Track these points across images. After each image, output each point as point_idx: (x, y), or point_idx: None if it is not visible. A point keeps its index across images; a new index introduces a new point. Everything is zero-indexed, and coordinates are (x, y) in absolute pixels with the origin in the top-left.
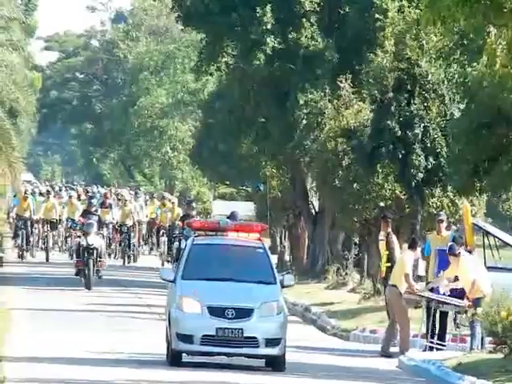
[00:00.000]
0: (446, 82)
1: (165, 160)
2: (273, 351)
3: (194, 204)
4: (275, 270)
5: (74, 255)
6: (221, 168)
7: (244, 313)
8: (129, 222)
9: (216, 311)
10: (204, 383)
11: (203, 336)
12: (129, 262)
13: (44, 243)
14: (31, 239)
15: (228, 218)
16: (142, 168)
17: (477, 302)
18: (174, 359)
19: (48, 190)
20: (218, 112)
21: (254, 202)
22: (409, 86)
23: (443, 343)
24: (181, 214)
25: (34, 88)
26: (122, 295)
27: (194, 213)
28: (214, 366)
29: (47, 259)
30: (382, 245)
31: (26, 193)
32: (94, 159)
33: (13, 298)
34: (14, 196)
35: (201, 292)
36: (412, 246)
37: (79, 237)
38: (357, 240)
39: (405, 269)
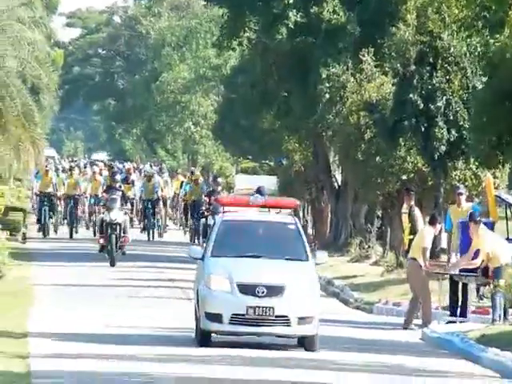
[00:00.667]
0: (468, 55)
1: (187, 135)
2: (305, 330)
3: (220, 179)
4: (308, 247)
5: (98, 231)
6: (243, 143)
7: (275, 290)
8: (153, 197)
9: (246, 289)
10: (231, 358)
11: (233, 315)
12: (153, 238)
13: (68, 220)
14: (54, 215)
15: (255, 193)
16: (164, 143)
17: (497, 273)
18: (202, 339)
19: (71, 166)
20: (240, 87)
21: (276, 176)
22: (431, 59)
23: (465, 316)
24: (205, 190)
25: (56, 64)
26: (146, 270)
27: (219, 188)
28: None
29: (71, 236)
30: (404, 218)
31: (47, 167)
32: (117, 135)
33: (36, 274)
34: (37, 173)
35: (230, 269)
36: (432, 222)
37: (103, 213)
38: (379, 213)
39: (423, 243)
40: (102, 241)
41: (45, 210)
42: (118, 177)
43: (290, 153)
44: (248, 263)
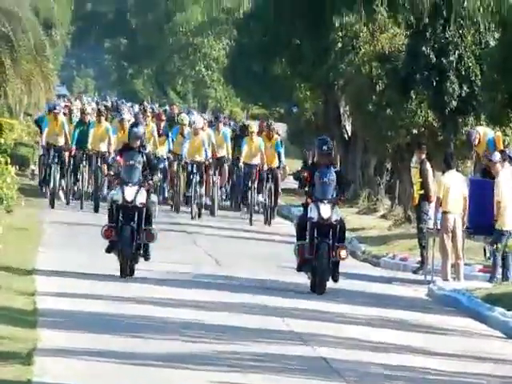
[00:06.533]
0: (481, 10)
1: (198, 78)
2: None
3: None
4: None
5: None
6: (254, 88)
7: None
8: (200, 159)
9: None
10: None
11: None
12: (199, 216)
13: (92, 186)
14: (65, 179)
15: None
16: (175, 85)
17: (498, 235)
18: None
19: (99, 109)
20: (252, 32)
21: (286, 124)
22: (444, 13)
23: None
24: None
25: (69, 0)
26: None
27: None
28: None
29: (96, 209)
30: (415, 172)
31: (55, 109)
32: (128, 75)
33: (45, 211)
34: (42, 118)
35: None
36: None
37: (112, 187)
38: (389, 166)
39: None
40: (109, 234)
41: (53, 171)
42: (142, 130)
43: (301, 101)
44: None
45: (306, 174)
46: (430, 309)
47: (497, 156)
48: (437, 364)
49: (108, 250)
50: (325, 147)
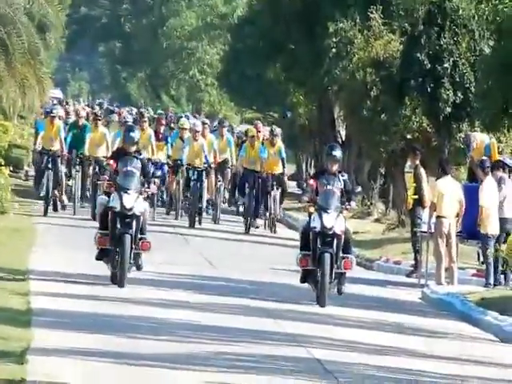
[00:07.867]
0: (476, 18)
1: (192, 82)
2: None
3: (279, 130)
4: None
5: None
6: (248, 93)
7: None
8: (200, 164)
9: None
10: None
11: None
12: (200, 223)
13: (90, 194)
14: (59, 186)
15: None
16: (168, 89)
17: (484, 239)
18: None
19: (95, 113)
20: (247, 37)
21: (280, 129)
22: (439, 20)
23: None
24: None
25: (63, 4)
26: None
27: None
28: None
29: (94, 216)
30: (409, 177)
31: (52, 112)
32: (122, 78)
33: (38, 211)
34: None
35: None
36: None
37: (107, 193)
38: (383, 170)
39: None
40: (104, 242)
41: (47, 177)
42: (137, 135)
43: (295, 106)
44: None
45: (311, 182)
46: (424, 312)
47: (485, 162)
48: (431, 366)
49: (99, 257)
50: (335, 153)
